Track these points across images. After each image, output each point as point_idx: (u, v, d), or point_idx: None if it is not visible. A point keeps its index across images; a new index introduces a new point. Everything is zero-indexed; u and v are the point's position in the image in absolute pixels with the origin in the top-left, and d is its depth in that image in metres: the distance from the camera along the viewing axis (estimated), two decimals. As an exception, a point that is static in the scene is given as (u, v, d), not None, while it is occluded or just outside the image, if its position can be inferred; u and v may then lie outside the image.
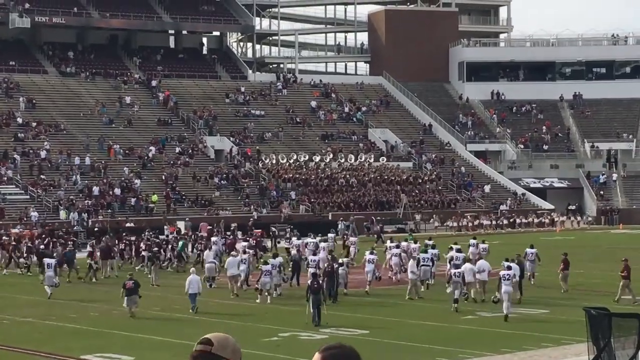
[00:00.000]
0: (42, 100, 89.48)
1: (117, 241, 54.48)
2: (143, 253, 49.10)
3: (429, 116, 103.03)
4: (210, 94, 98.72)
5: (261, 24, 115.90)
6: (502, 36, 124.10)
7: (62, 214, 71.86)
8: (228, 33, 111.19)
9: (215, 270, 42.72)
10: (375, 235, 67.80)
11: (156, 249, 48.91)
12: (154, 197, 77.03)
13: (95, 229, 65.57)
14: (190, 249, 53.97)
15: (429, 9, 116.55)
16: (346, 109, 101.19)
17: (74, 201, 73.87)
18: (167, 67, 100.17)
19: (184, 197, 79.06)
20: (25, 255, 50.05)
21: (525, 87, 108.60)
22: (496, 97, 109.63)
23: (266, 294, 37.27)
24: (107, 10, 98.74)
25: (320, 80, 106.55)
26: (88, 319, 33.41)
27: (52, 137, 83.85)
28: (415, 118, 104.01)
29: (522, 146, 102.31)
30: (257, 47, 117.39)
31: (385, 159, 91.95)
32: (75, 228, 67.95)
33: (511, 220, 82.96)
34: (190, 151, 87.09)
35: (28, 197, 74.59)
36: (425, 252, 42.55)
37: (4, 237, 56.17)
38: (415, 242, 46.71)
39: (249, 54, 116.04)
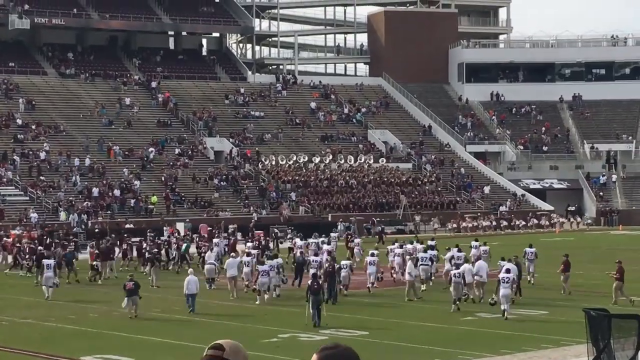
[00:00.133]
0: (41, 102, 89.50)
1: (118, 242, 54.58)
2: (148, 255, 49.07)
3: (428, 117, 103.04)
4: (209, 95, 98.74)
5: (260, 25, 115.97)
6: (501, 37, 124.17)
7: (62, 215, 71.87)
8: (228, 34, 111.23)
9: (215, 271, 42.71)
10: (377, 236, 67.86)
11: (156, 250, 48.91)
12: (154, 199, 77.06)
13: (96, 230, 65.58)
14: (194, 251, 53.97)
15: (428, 10, 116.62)
16: (346, 110, 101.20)
17: (73, 202, 73.88)
18: (167, 69, 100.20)
19: (183, 199, 79.07)
20: (27, 256, 50.06)
21: (525, 88, 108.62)
22: (496, 98, 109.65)
23: (265, 295, 37.30)
24: (106, 11, 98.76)
25: (320, 82, 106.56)
26: (87, 320, 33.41)
27: (51, 139, 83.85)
28: (414, 119, 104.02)
29: (521, 147, 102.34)
30: (257, 48, 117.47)
31: (384, 160, 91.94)
32: (75, 229, 67.95)
33: (511, 223, 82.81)
34: (189, 152, 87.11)
35: (27, 198, 74.59)
36: (425, 252, 42.63)
37: (4, 239, 56.24)
38: (421, 244, 46.77)
39: (249, 55, 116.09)
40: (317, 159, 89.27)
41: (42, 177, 77.12)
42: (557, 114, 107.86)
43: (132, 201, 76.53)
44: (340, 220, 75.68)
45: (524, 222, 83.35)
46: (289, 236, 63.24)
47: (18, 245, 53.59)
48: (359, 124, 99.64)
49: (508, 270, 33.76)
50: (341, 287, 38.76)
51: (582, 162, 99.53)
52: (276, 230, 68.91)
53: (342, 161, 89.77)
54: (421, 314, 34.26)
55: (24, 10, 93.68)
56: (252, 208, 78.77)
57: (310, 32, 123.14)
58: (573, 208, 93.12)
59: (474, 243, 48.05)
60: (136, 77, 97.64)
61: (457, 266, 37.32)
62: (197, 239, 57.40)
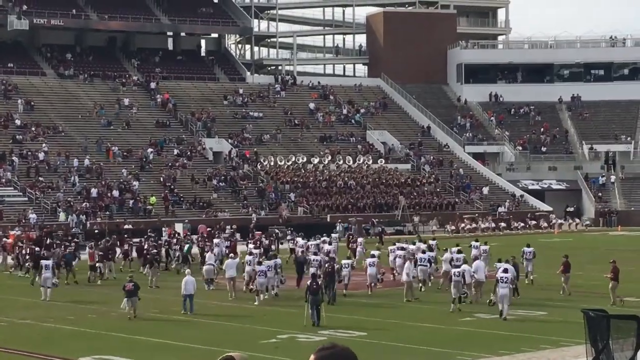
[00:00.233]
0: (40, 102, 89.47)
1: (118, 243, 54.59)
2: (147, 255, 49.07)
3: (427, 118, 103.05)
4: (208, 96, 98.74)
5: (259, 25, 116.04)
6: (500, 38, 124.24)
7: (62, 216, 71.85)
8: (226, 35, 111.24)
9: (214, 272, 42.70)
10: (378, 237, 67.90)
11: (155, 251, 48.88)
12: (152, 199, 77.06)
13: (96, 231, 65.54)
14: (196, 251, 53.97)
15: (427, 11, 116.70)
16: (344, 111, 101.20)
17: (72, 203, 73.86)
18: (166, 69, 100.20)
19: (182, 199, 79.06)
20: (27, 257, 50.06)
21: (524, 89, 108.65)
22: (494, 99, 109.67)
23: (264, 296, 37.32)
24: (105, 12, 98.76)
25: (319, 82, 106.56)
26: (86, 321, 33.40)
27: (50, 139, 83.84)
28: (413, 120, 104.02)
29: (520, 148, 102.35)
30: (255, 49, 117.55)
31: (383, 161, 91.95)
32: (73, 230, 67.92)
33: (510, 226, 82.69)
34: (188, 153, 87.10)
35: (26, 199, 74.57)
36: (423, 252, 42.65)
37: (4, 239, 56.22)
38: (425, 244, 46.76)
39: (247, 56, 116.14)
40: (315, 160, 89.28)
41: (40, 178, 77.10)
42: (556, 115, 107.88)
43: (131, 202, 76.52)
44: (339, 221, 75.69)
45: (522, 224, 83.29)
46: (288, 237, 63.30)
47: (21, 244, 53.62)
48: (357, 124, 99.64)
49: (506, 270, 33.75)
50: (344, 286, 38.88)
51: (580, 163, 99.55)
52: (277, 231, 68.92)
53: (341, 162, 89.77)
54: (419, 315, 34.27)
55: (22, 10, 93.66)
56: (250, 209, 78.77)
57: (309, 33, 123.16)
58: (572, 209, 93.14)
59: (474, 243, 48.11)
60: (135, 78, 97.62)
61: (457, 266, 37.34)
62: (198, 239, 57.35)
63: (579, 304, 29.37)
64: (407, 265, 39.24)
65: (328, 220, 78.24)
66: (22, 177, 77.35)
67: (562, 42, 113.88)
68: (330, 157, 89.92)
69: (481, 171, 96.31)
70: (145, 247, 50.46)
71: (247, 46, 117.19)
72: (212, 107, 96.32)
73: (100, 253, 47.24)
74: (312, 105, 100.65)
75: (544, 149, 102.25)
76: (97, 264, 46.32)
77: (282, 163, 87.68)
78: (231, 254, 43.95)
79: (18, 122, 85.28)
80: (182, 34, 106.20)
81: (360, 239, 56.66)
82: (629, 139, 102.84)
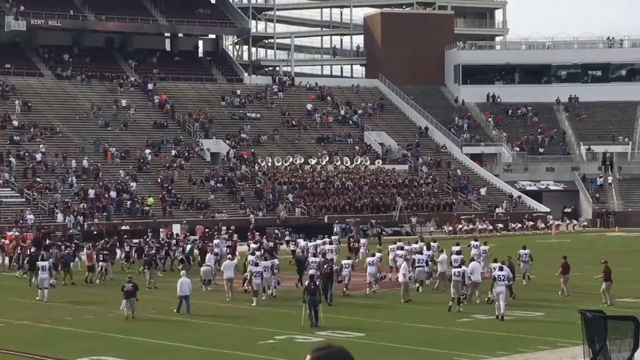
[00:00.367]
0: (37, 103, 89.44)
1: (118, 244, 54.57)
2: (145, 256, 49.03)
3: (424, 119, 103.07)
4: (206, 97, 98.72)
5: (257, 26, 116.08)
6: (497, 39, 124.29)
7: (60, 217, 71.80)
8: (224, 36, 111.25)
9: (211, 273, 42.68)
10: (377, 238, 67.91)
11: (153, 252, 48.85)
12: (150, 200, 77.02)
13: (94, 232, 65.48)
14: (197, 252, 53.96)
15: (424, 12, 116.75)
16: (342, 112, 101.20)
17: (69, 204, 73.82)
18: (163, 70, 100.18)
19: (179, 200, 79.03)
20: (27, 258, 49.98)
21: (521, 89, 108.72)
22: (492, 99, 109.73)
23: (262, 297, 37.32)
24: (103, 13, 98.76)
25: (316, 83, 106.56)
26: (84, 322, 33.38)
27: (47, 140, 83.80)
28: (411, 121, 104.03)
29: (517, 149, 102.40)
30: (253, 50, 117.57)
31: (381, 162, 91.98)
32: (71, 231, 67.88)
33: (508, 227, 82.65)
34: (186, 154, 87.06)
35: (24, 200, 74.52)
36: (421, 253, 42.67)
37: (1, 240, 56.16)
38: (425, 244, 46.78)
39: (245, 57, 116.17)
40: (313, 161, 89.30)
41: (38, 179, 77.05)
42: (553, 116, 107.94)
43: (129, 203, 76.48)
44: (337, 221, 75.69)
45: (520, 225, 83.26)
46: (287, 237, 63.31)
47: (22, 244, 53.60)
48: (355, 125, 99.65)
49: (501, 269, 33.92)
50: (344, 286, 38.94)
51: (578, 164, 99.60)
52: (277, 232, 68.91)
53: (339, 163, 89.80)
54: (417, 316, 34.27)
55: (20, 11, 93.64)
56: (248, 210, 78.75)
57: (307, 34, 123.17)
58: (569, 210, 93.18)
59: (473, 243, 48.13)
60: (132, 79, 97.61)
61: (457, 267, 37.34)
62: (198, 240, 57.34)
63: (577, 305, 29.40)
64: (403, 265, 39.27)
65: (325, 221, 78.23)
66: (20, 178, 77.32)
67: (560, 43, 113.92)
68: (327, 158, 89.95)
69: (479, 172, 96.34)
70: (146, 248, 50.45)
71: (245, 47, 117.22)
72: (210, 108, 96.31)
73: (105, 252, 47.19)
74: (309, 106, 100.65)
75: (541, 149, 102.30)
76: (100, 263, 46.25)
77: (280, 164, 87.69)
78: (229, 256, 43.95)
79: (15, 123, 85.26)
80: (180, 34, 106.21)
81: (363, 240, 56.96)
82: (626, 139, 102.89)
